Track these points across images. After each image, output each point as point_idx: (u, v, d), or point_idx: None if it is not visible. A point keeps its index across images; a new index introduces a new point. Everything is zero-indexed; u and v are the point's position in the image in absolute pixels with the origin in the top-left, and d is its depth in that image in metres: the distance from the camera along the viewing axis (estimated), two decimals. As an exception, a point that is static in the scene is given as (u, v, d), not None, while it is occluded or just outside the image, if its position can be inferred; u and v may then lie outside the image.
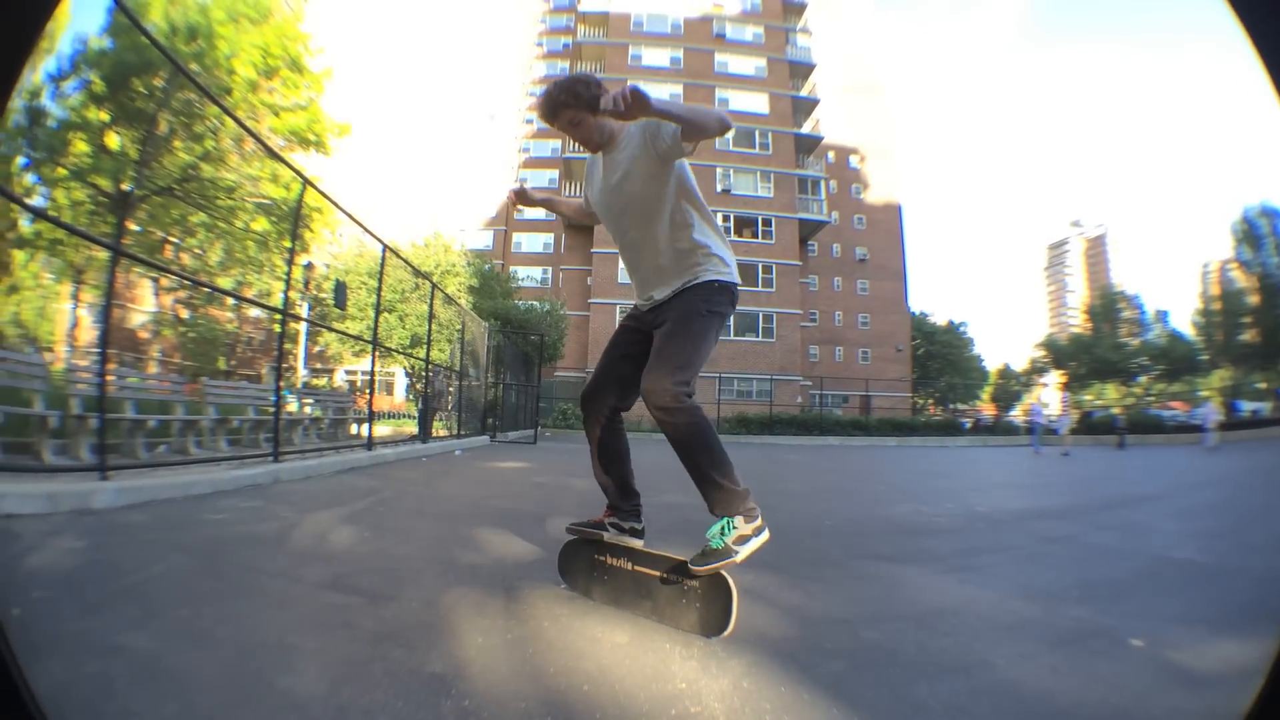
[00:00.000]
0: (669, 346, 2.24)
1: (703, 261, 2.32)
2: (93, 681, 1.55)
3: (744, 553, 2.10)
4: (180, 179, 14.61)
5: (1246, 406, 33.05)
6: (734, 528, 2.13)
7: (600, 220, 2.58)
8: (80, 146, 13.57)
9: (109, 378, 5.50)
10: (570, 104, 2.21)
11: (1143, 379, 39.71)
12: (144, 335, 27.37)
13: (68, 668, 1.60)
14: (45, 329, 25.99)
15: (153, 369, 25.19)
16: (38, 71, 13.16)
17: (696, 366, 2.24)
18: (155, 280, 24.16)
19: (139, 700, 1.49)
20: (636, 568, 2.36)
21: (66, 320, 25.26)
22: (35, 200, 14.06)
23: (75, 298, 23.67)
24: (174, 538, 3.30)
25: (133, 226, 14.71)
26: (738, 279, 2.40)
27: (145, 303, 27.98)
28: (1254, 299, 32.61)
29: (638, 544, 2.42)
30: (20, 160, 13.83)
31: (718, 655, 1.94)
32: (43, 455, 5.69)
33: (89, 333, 24.86)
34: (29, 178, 14.18)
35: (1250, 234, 33.14)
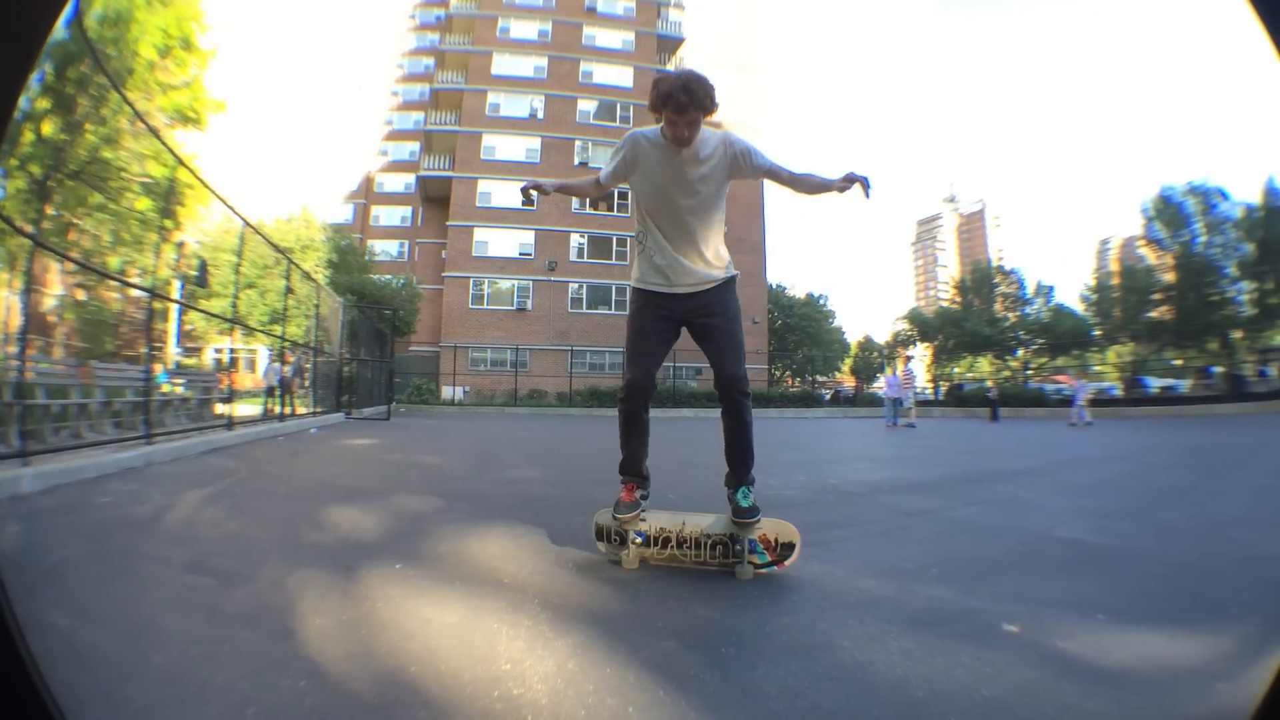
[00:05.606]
0: (737, 343, 2.81)
1: (730, 261, 2.88)
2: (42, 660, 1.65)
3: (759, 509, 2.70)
4: (88, 161, 14.20)
5: (1155, 383, 33.91)
6: (750, 491, 2.75)
7: (644, 198, 2.79)
8: (28, 136, 13.12)
9: (28, 364, 5.57)
10: (709, 109, 2.50)
11: (1021, 353, 39.34)
12: (52, 319, 26.22)
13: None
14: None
15: (57, 353, 24.27)
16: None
17: None
18: (61, 264, 23.22)
19: (66, 677, 1.58)
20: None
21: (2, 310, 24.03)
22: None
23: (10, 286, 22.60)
24: (74, 521, 3.53)
25: (50, 211, 14.30)
26: None
27: (54, 287, 26.76)
28: (1169, 276, 32.81)
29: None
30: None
31: (545, 635, 1.96)
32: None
33: (13, 320, 23.66)
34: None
35: (1172, 212, 32.94)
